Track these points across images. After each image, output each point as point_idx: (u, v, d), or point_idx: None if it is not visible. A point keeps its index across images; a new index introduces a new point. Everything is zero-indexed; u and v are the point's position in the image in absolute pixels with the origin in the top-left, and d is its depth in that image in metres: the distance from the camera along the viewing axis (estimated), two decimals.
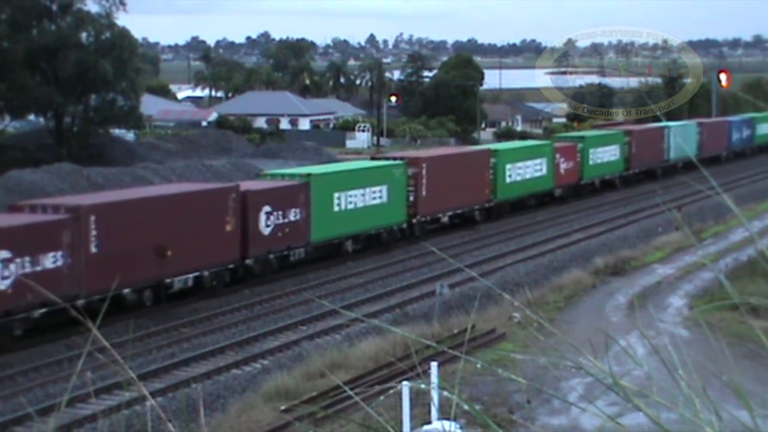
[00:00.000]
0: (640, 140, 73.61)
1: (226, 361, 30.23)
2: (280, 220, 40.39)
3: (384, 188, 46.68)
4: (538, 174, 59.92)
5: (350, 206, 44.65)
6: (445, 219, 51.80)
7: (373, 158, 53.20)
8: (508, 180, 56.70)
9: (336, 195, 43.86)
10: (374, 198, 45.99)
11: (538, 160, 59.95)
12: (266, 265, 40.26)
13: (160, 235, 34.56)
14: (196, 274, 36.84)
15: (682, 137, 79.80)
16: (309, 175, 43.56)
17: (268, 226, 39.80)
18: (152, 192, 40.61)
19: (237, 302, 37.02)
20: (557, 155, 61.99)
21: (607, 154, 69.09)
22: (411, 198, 48.67)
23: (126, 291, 33.63)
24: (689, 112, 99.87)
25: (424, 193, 49.20)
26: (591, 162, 66.56)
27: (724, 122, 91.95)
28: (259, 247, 39.40)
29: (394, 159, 50.44)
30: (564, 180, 62.85)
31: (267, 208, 39.76)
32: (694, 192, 57.07)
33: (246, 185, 41.07)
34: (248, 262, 39.26)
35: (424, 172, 49.29)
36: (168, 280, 35.43)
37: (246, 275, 39.28)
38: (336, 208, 43.83)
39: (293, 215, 41.07)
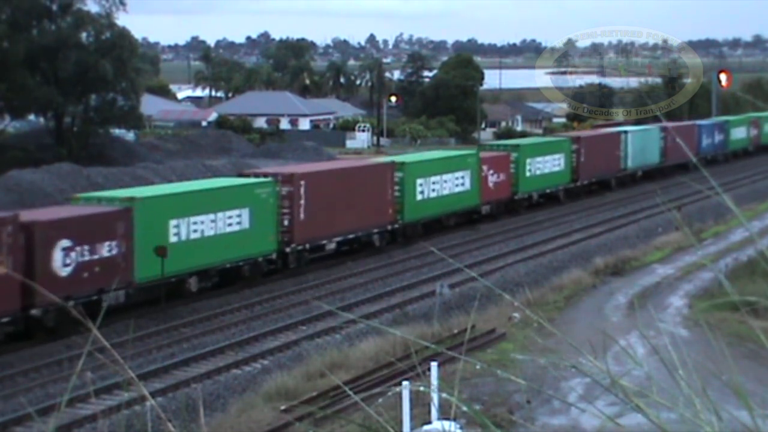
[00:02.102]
0: (590, 148, 66.24)
1: (226, 361, 30.24)
2: (86, 257, 32.46)
3: (245, 212, 38.70)
4: (458, 189, 52.33)
5: (194, 235, 36.60)
6: (331, 246, 43.99)
7: (240, 174, 44.67)
8: (419, 197, 49.01)
9: (173, 223, 35.77)
10: (230, 224, 38.04)
11: (458, 174, 52.38)
12: (63, 315, 31.02)
13: None
14: None
15: (641, 143, 73.39)
16: (132, 199, 35.26)
17: (66, 265, 31.88)
18: None
19: (237, 302, 37.03)
20: (484, 167, 54.46)
21: (548, 165, 61.48)
22: (285, 222, 40.85)
23: None
24: (689, 112, 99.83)
25: (302, 216, 41.32)
26: (528, 174, 59.19)
27: (692, 126, 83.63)
28: (53, 292, 30.21)
29: (265, 175, 41.98)
30: (493, 195, 55.39)
31: (65, 243, 31.87)
32: (694, 192, 57.05)
33: (35, 214, 33.77)
34: (34, 312, 30.94)
35: (302, 190, 41.45)
36: None
37: (34, 328, 31.36)
38: (173, 239, 35.64)
39: (107, 250, 33.21)
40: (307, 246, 42.13)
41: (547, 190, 61.75)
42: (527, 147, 60.86)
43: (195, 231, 36.62)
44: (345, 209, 43.48)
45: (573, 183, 64.59)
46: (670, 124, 79.90)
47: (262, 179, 41.19)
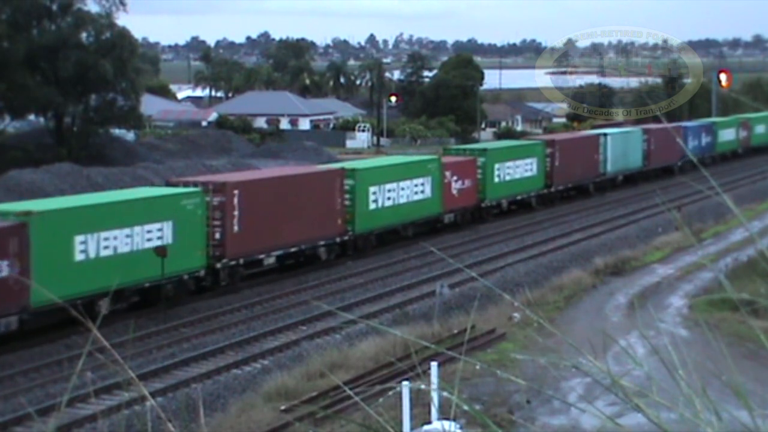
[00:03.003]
0: (565, 151, 62.86)
1: (226, 361, 30.24)
2: None
3: (167, 225, 35.04)
4: (418, 197, 48.82)
5: (105, 252, 32.94)
6: (270, 260, 40.77)
7: (168, 183, 40.61)
8: (372, 206, 45.55)
9: (79, 239, 32.12)
10: (150, 239, 34.45)
11: (418, 180, 48.85)
12: None
13: None
14: None
15: (622, 146, 70.18)
16: (29, 213, 31.23)
17: None
18: None
19: (237, 302, 37.03)
20: (447, 173, 51.04)
21: (519, 170, 58.02)
22: (217, 236, 37.41)
23: None
24: (689, 112, 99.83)
25: (235, 228, 37.93)
26: (496, 179, 55.78)
27: (677, 128, 79.54)
28: None
29: (195, 184, 38.28)
30: (457, 203, 52.01)
31: None
32: (694, 192, 57.06)
33: None
34: None
35: (235, 200, 37.98)
36: None
37: None
38: (79, 257, 32.12)
39: None
40: (242, 261, 38.57)
41: (518, 197, 58.45)
42: (495, 151, 57.51)
43: (106, 248, 32.90)
44: (287, 220, 40.25)
45: (546, 189, 61.34)
46: (653, 126, 78.25)
47: (188, 189, 37.43)
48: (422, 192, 49.24)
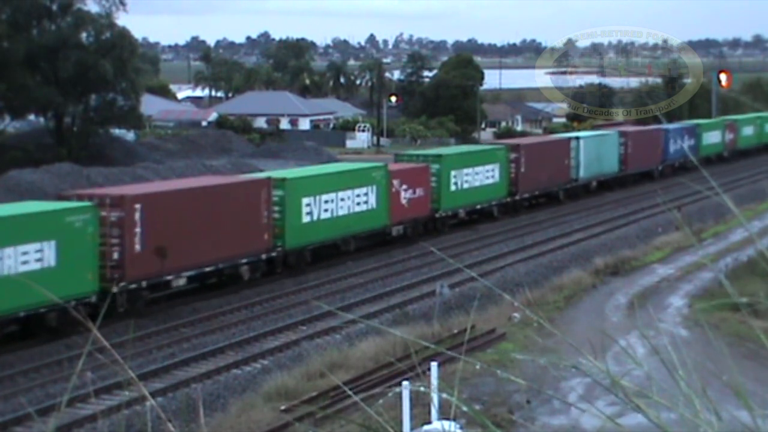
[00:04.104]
0: (532, 156, 58.86)
1: (226, 361, 30.24)
2: None
3: (49, 245, 30.94)
4: (360, 208, 44.91)
5: None
6: (181, 281, 36.51)
7: (60, 197, 36.14)
8: (306, 219, 41.81)
9: None
10: (26, 262, 30.34)
11: (361, 190, 44.97)
12: None
13: None
14: None
15: (596, 151, 66.24)
16: None
17: None
18: None
19: (237, 302, 37.02)
20: (395, 182, 47.01)
21: (479, 177, 54.14)
22: (115, 256, 33.51)
23: None
24: (689, 112, 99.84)
25: (137, 247, 33.96)
26: (452, 188, 51.91)
27: (657, 131, 76.73)
28: None
29: (90, 198, 34.33)
30: (407, 213, 48.04)
31: None
32: (695, 192, 57.05)
33: None
34: None
35: (137, 216, 34.04)
36: None
37: None
38: None
39: None
40: (144, 284, 34.36)
41: (478, 206, 54.49)
42: (451, 157, 53.38)
43: None
44: (201, 237, 36.33)
45: (510, 197, 57.35)
46: (630, 129, 75.68)
47: (75, 204, 33.24)
48: (366, 203, 45.21)
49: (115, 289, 32.33)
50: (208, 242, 36.68)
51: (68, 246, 31.41)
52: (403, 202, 47.84)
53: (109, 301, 31.26)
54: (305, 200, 41.71)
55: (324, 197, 42.75)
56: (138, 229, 33.97)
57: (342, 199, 43.77)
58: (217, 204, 37.55)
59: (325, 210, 42.81)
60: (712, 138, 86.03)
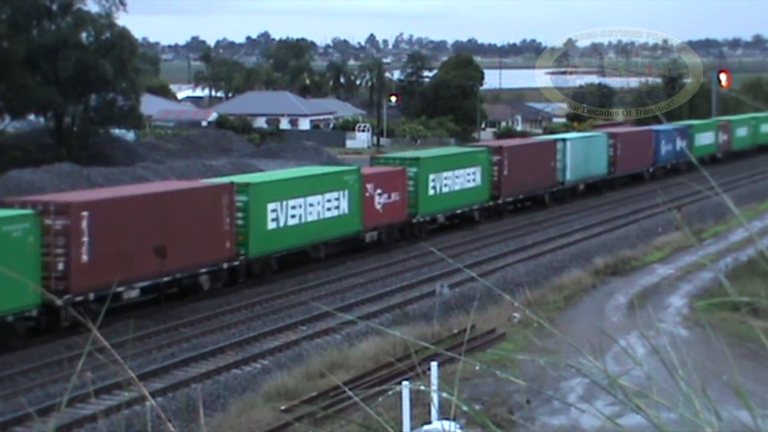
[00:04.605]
0: (515, 159, 56.96)
1: (226, 361, 30.25)
2: None
3: None
4: (331, 214, 43.11)
5: None
6: (132, 293, 34.32)
7: (1, 204, 33.59)
8: (271, 226, 39.98)
9: None
10: None
11: (332, 195, 43.12)
12: None
13: None
14: None
15: (584, 153, 64.42)
16: None
17: None
18: None
19: (237, 302, 37.02)
20: (368, 186, 45.28)
21: (460, 180, 52.25)
22: (60, 267, 31.51)
23: None
24: (689, 112, 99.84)
25: (84, 257, 31.86)
26: (431, 192, 49.96)
27: (648, 132, 75.45)
28: None
29: (34, 205, 32.06)
30: (381, 219, 46.24)
31: None
32: (695, 192, 57.04)
33: None
34: None
35: (84, 224, 31.93)
36: None
37: None
38: None
39: None
40: (92, 296, 31.98)
41: (458, 211, 52.59)
42: (429, 160, 51.17)
43: None
44: (156, 246, 34.44)
45: (493, 201, 55.49)
46: (620, 130, 74.18)
47: (14, 212, 31.24)
48: (337, 208, 43.43)
49: (59, 302, 30.38)
50: (168, 250, 34.65)
51: (5, 257, 29.07)
52: (378, 207, 46.06)
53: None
54: (271, 206, 39.92)
55: (291, 202, 40.93)
56: (86, 239, 31.92)
57: (311, 205, 42.03)
58: (173, 211, 35.60)
59: (293, 216, 41.01)
60: (705, 139, 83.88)
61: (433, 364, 20.85)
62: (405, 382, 20.14)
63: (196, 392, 27.34)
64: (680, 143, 78.02)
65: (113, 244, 32.73)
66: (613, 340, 18.36)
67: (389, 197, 46.81)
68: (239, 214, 38.48)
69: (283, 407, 24.87)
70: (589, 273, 40.96)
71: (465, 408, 3.49)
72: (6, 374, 28.31)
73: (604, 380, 3.17)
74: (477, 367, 24.85)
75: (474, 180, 53.70)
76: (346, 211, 43.90)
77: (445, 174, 51.16)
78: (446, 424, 16.18)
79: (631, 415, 3.22)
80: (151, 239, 34.14)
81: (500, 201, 56.14)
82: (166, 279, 35.09)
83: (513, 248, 48.32)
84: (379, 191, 46.09)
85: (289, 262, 41.82)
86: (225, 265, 37.85)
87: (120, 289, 32.93)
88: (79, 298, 31.46)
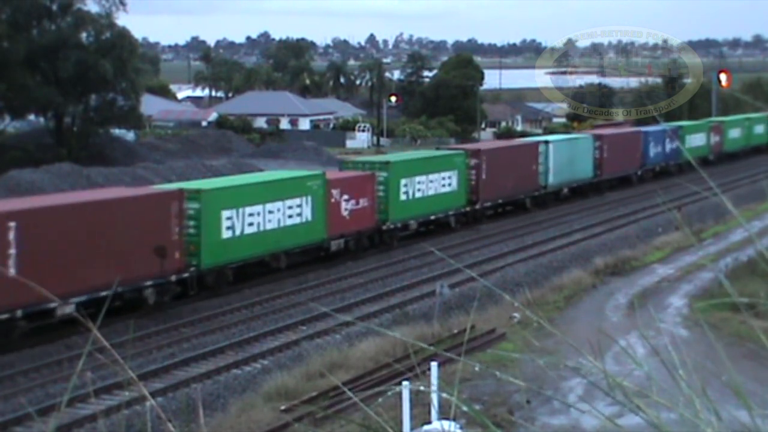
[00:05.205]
0: (494, 163, 54.72)
1: (226, 361, 30.24)
2: None
3: None
4: (293, 221, 40.74)
5: None
6: (67, 309, 30.89)
7: None
8: (227, 234, 37.50)
9: None
10: None
11: (293, 201, 40.82)
12: None
13: None
14: None
15: (568, 155, 62.42)
16: None
17: None
18: None
19: (237, 302, 37.02)
20: (334, 191, 43.01)
21: (434, 185, 50.14)
22: None
23: None
24: (689, 112, 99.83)
25: (12, 270, 29.13)
26: (403, 197, 47.81)
27: (636, 134, 73.39)
28: None
29: None
30: (348, 226, 44.04)
31: None
32: (694, 192, 57.00)
33: None
34: None
35: (11, 235, 29.59)
36: None
37: None
38: None
39: None
40: (20, 313, 29.81)
41: (432, 217, 50.44)
42: (401, 164, 48.85)
43: None
44: (94, 258, 31.93)
45: (471, 206, 53.38)
46: (607, 132, 72.48)
47: None
48: (299, 215, 41.13)
49: None
50: (103, 263, 32.04)
51: None
52: (344, 213, 43.84)
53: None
54: (225, 213, 37.41)
55: (249, 210, 38.48)
56: (12, 251, 29.37)
57: (270, 212, 39.64)
58: (113, 220, 32.95)
59: (250, 224, 38.59)
60: (696, 141, 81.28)
61: (433, 365, 20.85)
62: (405, 383, 20.14)
63: (196, 392, 27.33)
64: (670, 145, 75.87)
65: (44, 257, 30.08)
66: (613, 341, 18.36)
67: (357, 203, 44.58)
68: (190, 223, 36.12)
69: (283, 407, 24.87)
70: (589, 273, 40.95)
71: (465, 408, 3.49)
72: (6, 374, 28.31)
73: (604, 380, 3.17)
74: (477, 368, 24.85)
75: (450, 185, 51.63)
76: (309, 218, 41.71)
77: (418, 178, 49.08)
78: (446, 424, 16.18)
79: (631, 415, 3.22)
80: (87, 250, 31.72)
81: (478, 206, 53.98)
82: (104, 293, 31.52)
83: (513, 248, 48.31)
84: (345, 197, 43.93)
85: (247, 273, 39.44)
86: (173, 277, 35.21)
87: (52, 304, 30.06)
88: (4, 316, 29.27)
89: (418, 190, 49.03)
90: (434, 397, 17.19)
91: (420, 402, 21.90)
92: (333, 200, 42.98)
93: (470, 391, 25.12)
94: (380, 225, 46.60)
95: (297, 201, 40.99)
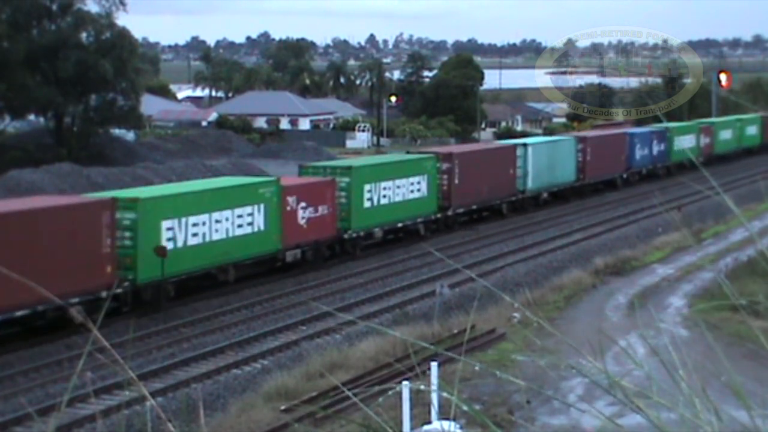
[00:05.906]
0: (467, 167, 52.10)
1: (226, 361, 30.24)
2: None
3: None
4: (243, 231, 38.28)
5: None
6: None
7: None
8: (167, 246, 34.84)
9: None
10: None
11: (244, 210, 38.40)
12: None
13: None
14: None
15: (548, 158, 60.18)
16: None
17: None
18: None
19: (237, 302, 37.02)
20: (289, 199, 40.68)
21: (402, 191, 47.59)
22: None
23: None
24: (689, 112, 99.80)
25: None
26: (367, 204, 45.42)
27: (621, 136, 70.96)
28: None
29: None
30: (306, 235, 41.51)
31: None
32: (694, 192, 57.02)
33: None
34: None
35: None
36: None
37: None
38: None
39: None
40: None
41: (400, 224, 47.99)
42: (364, 169, 46.31)
43: None
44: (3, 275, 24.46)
45: (442, 212, 50.90)
46: (590, 134, 70.76)
47: None
48: (250, 224, 38.72)
49: None
50: (18, 280, 28.36)
51: None
52: (301, 222, 41.34)
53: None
54: (166, 223, 34.88)
55: (192, 219, 35.98)
56: None
57: (217, 221, 37.11)
58: (33, 232, 30.61)
59: (194, 234, 36.09)
60: (686, 142, 78.23)
61: (433, 364, 20.85)
62: (405, 382, 20.14)
63: (196, 392, 27.34)
64: (657, 147, 73.88)
65: None
66: (613, 341, 18.36)
67: (316, 211, 42.06)
68: (126, 234, 33.64)
69: (283, 407, 24.87)
70: (589, 273, 40.95)
71: (465, 408, 3.49)
72: (6, 374, 28.32)
73: (604, 380, 3.17)
74: (477, 367, 24.85)
75: (419, 190, 48.94)
76: (262, 227, 39.20)
77: (383, 184, 46.48)
78: (446, 424, 16.18)
79: (631, 415, 3.22)
80: (3, 265, 28.55)
81: (450, 212, 51.55)
82: (20, 313, 29.58)
83: (513, 248, 48.31)
84: (303, 204, 41.41)
85: (191, 287, 36.88)
86: (104, 293, 31.76)
87: None
88: None
89: (384, 196, 46.58)
90: (434, 397, 17.20)
91: (420, 402, 21.89)
92: (289, 208, 40.69)
93: (470, 391, 25.11)
94: (341, 234, 44.17)
95: (248, 209, 38.62)
